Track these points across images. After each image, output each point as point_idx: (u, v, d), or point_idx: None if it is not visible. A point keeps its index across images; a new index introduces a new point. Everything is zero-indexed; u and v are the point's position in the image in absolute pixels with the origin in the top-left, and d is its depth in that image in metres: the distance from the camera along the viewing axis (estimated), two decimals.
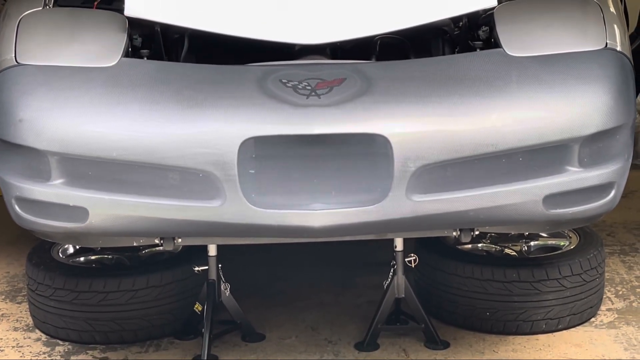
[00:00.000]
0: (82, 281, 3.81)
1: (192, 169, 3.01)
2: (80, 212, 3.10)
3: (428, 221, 3.09)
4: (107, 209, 3.08)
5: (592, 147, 3.15)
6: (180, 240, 3.35)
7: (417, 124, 3.04)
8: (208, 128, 3.02)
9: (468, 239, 3.38)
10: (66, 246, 4.14)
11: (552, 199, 3.12)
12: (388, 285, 3.80)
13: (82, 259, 4.18)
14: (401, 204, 3.02)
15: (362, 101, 3.05)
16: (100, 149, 3.04)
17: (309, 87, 3.10)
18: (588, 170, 3.14)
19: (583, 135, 3.11)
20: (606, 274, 4.19)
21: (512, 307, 3.83)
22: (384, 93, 3.08)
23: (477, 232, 3.40)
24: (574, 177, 3.13)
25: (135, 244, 3.42)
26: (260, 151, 3.02)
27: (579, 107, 3.12)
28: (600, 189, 3.19)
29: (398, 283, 3.80)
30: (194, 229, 3.11)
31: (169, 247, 3.34)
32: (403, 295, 3.81)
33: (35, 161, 3.10)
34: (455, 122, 3.04)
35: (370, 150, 3.03)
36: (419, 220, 3.07)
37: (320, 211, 3.02)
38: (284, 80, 3.13)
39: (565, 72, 3.16)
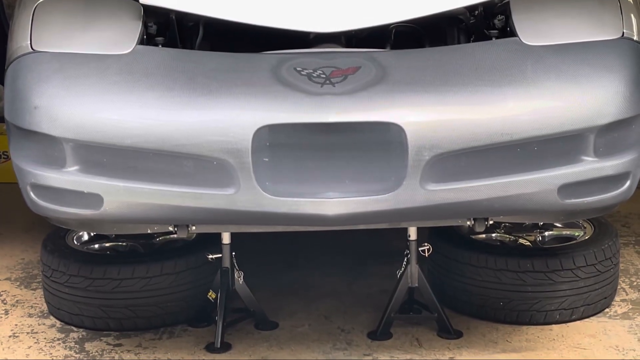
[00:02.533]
0: (96, 268, 3.82)
1: (206, 156, 3.01)
2: (94, 199, 3.10)
3: (442, 210, 3.08)
4: (122, 196, 3.09)
5: (607, 136, 3.13)
6: (194, 228, 3.35)
7: (431, 113, 3.03)
8: (222, 116, 3.02)
9: (482, 229, 3.37)
10: (81, 233, 4.15)
11: (567, 188, 3.11)
12: (401, 275, 3.80)
13: (96, 246, 4.18)
14: (415, 193, 3.02)
15: (377, 90, 3.05)
16: (115, 136, 3.04)
17: (323, 76, 3.09)
18: (603, 160, 3.13)
19: (599, 125, 3.10)
20: (621, 264, 4.16)
21: (525, 297, 3.81)
22: (398, 82, 3.08)
23: (491, 222, 3.39)
24: (589, 166, 3.12)
25: (149, 232, 3.43)
26: (275, 139, 3.02)
27: (594, 97, 3.10)
28: (615, 179, 3.17)
29: (411, 272, 3.78)
30: (208, 217, 3.11)
31: (182, 234, 3.35)
32: (416, 285, 3.80)
33: (50, 148, 3.11)
34: (470, 111, 3.03)
35: (385, 139, 3.02)
36: (433, 209, 3.06)
37: (334, 199, 3.02)
38: (298, 69, 3.12)
39: (581, 62, 3.15)
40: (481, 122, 3.02)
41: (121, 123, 3.04)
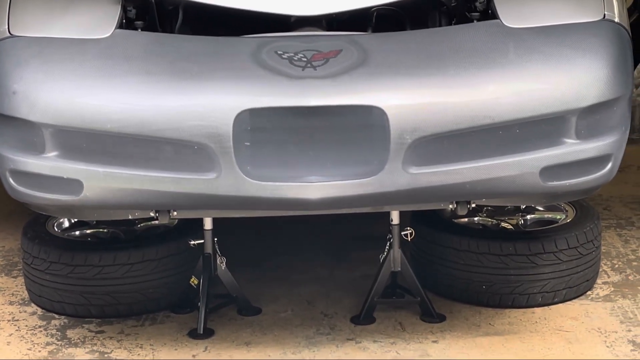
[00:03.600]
0: (77, 255, 3.79)
1: (187, 141, 2.99)
2: (74, 185, 3.08)
3: (425, 193, 3.07)
4: (102, 182, 3.06)
5: (589, 119, 3.13)
6: (175, 213, 3.33)
7: (413, 95, 3.02)
8: (203, 100, 3.00)
9: (464, 212, 3.37)
10: (61, 220, 4.12)
11: (549, 171, 3.11)
12: (384, 259, 3.79)
13: (77, 232, 4.15)
14: (398, 176, 3.01)
15: (359, 73, 3.03)
16: (95, 121, 3.02)
17: (304, 59, 3.07)
18: (585, 143, 3.13)
19: (580, 107, 3.10)
20: (602, 247, 4.17)
21: (508, 280, 3.81)
22: (380, 65, 3.06)
23: (473, 205, 3.38)
24: (571, 149, 3.12)
25: (130, 217, 3.40)
26: (256, 123, 3.00)
27: (576, 79, 3.10)
28: (597, 161, 3.17)
29: (394, 256, 3.78)
30: (189, 202, 3.09)
31: (164, 220, 3.33)
32: (399, 269, 3.79)
33: (29, 133, 3.08)
34: (452, 94, 3.03)
35: (367, 122, 3.01)
36: (416, 192, 3.05)
37: (316, 183, 3.01)
38: (279, 52, 3.10)
39: (563, 44, 3.14)
40: (463, 105, 3.01)
41: (101, 108, 3.01)
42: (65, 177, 3.07)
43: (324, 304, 4.00)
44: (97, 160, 3.05)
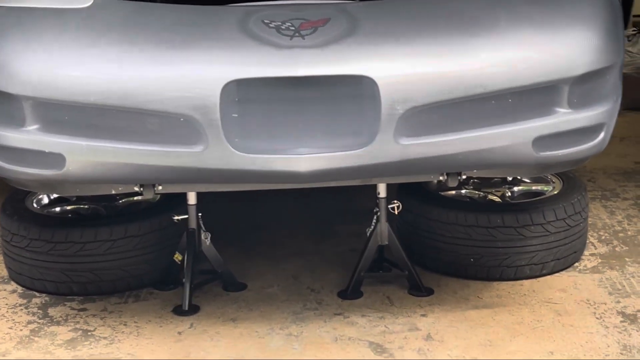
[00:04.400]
0: (58, 232, 3.73)
1: (172, 113, 2.93)
2: (56, 159, 3.01)
3: (416, 165, 3.03)
4: (85, 156, 3.00)
5: (581, 88, 3.10)
6: (160, 187, 3.26)
7: (404, 65, 2.98)
8: (188, 71, 2.94)
9: (455, 184, 3.34)
10: (41, 196, 4.04)
11: (541, 141, 3.08)
12: (371, 233, 3.76)
13: (57, 209, 4.08)
14: (389, 147, 2.97)
15: (348, 42, 2.99)
16: (76, 93, 2.95)
17: (292, 28, 3.02)
18: (577, 112, 3.10)
19: (572, 76, 3.07)
20: (589, 219, 4.16)
21: (496, 252, 3.80)
22: (370, 33, 3.01)
23: (464, 177, 3.34)
24: (564, 118, 3.09)
25: (113, 192, 3.33)
26: (243, 94, 2.95)
27: (568, 47, 3.07)
28: (589, 131, 3.15)
29: (381, 230, 3.75)
30: (176, 176, 3.03)
31: (149, 194, 3.27)
32: (386, 243, 3.77)
33: (8, 106, 3.00)
34: (444, 63, 2.99)
35: (357, 92, 2.96)
36: (407, 164, 3.01)
37: (306, 156, 2.97)
38: (266, 21, 3.04)
39: (555, 11, 3.11)
40: (454, 74, 2.97)
41: (82, 79, 2.94)
42: (47, 151, 3.00)
43: (310, 279, 3.96)
44: (79, 133, 2.98)
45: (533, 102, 3.05)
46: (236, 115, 2.94)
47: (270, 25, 3.02)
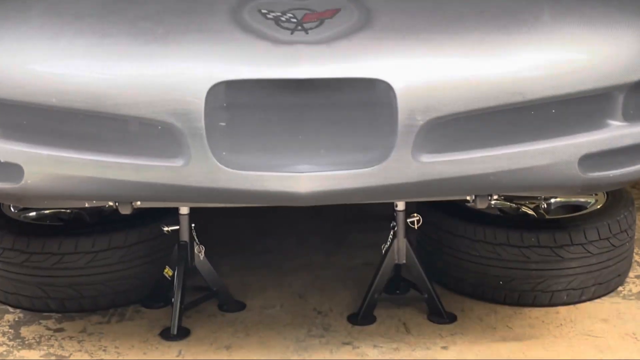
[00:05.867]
0: (33, 241, 3.46)
1: (148, 119, 2.62)
2: (13, 170, 2.72)
3: (439, 186, 2.71)
4: (46, 167, 2.70)
5: (639, 96, 2.77)
6: (139, 202, 2.90)
7: (427, 67, 2.65)
8: (169, 69, 2.62)
9: (485, 205, 3.01)
10: None
11: (589, 159, 2.75)
12: (387, 250, 3.46)
13: (34, 213, 3.79)
14: (406, 165, 2.64)
15: (360, 37, 2.66)
16: (37, 93, 2.64)
17: (294, 20, 2.70)
18: (633, 125, 2.77)
19: (629, 82, 2.74)
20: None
21: (529, 275, 3.48)
22: (386, 28, 2.69)
23: (495, 198, 2.96)
24: (617, 133, 2.76)
25: (87, 205, 2.98)
26: (234, 99, 2.63)
27: (624, 48, 2.74)
28: None
29: (399, 247, 3.45)
30: (152, 193, 2.73)
31: (125, 211, 2.94)
32: (404, 261, 3.47)
33: None
34: (475, 65, 2.65)
35: (369, 99, 2.65)
36: (428, 185, 2.70)
37: (307, 174, 2.65)
38: (263, 11, 2.72)
39: (609, 5, 2.78)
40: (487, 79, 2.64)
41: (44, 77, 2.63)
42: (2, 160, 2.71)
43: (318, 299, 3.66)
44: (39, 141, 2.68)
45: (580, 114, 2.72)
46: (224, 124, 2.61)
47: (268, 15, 2.71)
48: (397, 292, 3.59)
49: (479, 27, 2.69)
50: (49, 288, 3.47)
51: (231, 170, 2.62)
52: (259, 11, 2.71)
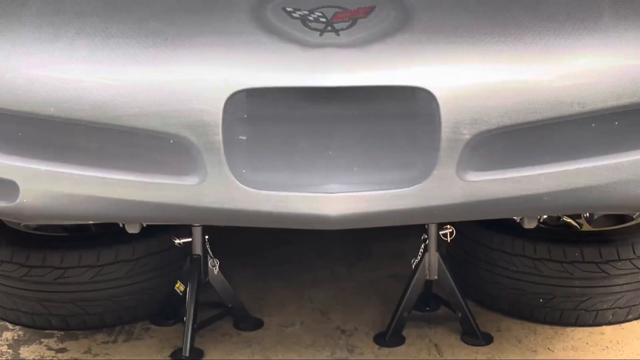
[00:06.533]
0: (34, 253, 3.28)
1: (159, 132, 2.35)
2: (7, 188, 2.46)
3: (486, 208, 2.45)
4: (44, 184, 2.43)
5: None
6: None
7: (473, 73, 2.36)
8: (182, 75, 2.35)
9: (533, 226, 2.74)
10: None
11: None
12: (417, 265, 3.24)
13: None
14: (450, 185, 2.37)
15: (398, 40, 2.37)
16: (33, 101, 2.38)
17: (323, 20, 2.41)
18: None
19: None
20: None
21: (571, 292, 3.29)
22: (427, 29, 2.41)
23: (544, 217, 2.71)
24: None
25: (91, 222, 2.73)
26: (255, 109, 2.36)
27: None
28: None
29: (430, 262, 3.23)
30: (161, 214, 2.48)
31: (133, 230, 2.70)
32: (435, 277, 3.24)
33: None
34: (527, 72, 2.36)
35: (409, 109, 2.37)
36: (474, 206, 2.43)
37: (337, 194, 2.38)
38: (288, 9, 2.44)
39: None
40: (542, 87, 2.35)
41: (42, 83, 2.37)
42: None
43: (341, 315, 3.44)
44: (37, 155, 2.42)
45: None
46: (244, 138, 2.35)
47: (294, 14, 2.42)
48: (427, 308, 3.40)
49: (532, 27, 2.40)
50: (51, 304, 3.31)
51: (252, 189, 2.36)
52: (284, 9, 2.43)
